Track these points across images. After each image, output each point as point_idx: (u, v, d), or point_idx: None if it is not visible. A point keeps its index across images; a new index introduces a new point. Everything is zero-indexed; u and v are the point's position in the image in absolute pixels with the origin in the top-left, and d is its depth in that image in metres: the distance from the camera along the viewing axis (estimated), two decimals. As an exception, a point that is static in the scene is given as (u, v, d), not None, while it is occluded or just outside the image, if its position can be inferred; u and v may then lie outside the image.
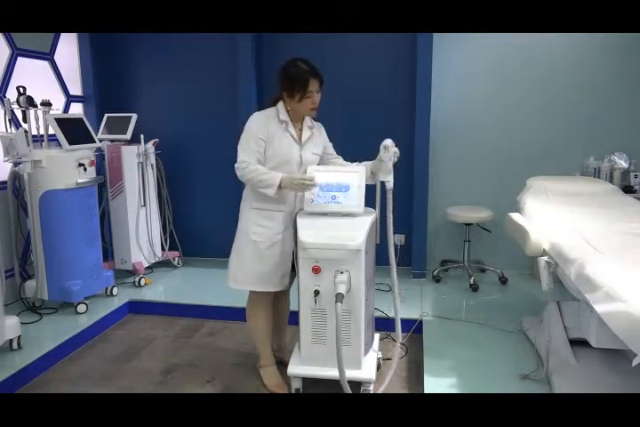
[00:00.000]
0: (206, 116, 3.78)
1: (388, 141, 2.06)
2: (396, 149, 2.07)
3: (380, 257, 2.58)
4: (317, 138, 2.23)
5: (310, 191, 2.14)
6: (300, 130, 2.18)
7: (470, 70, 3.57)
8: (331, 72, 3.67)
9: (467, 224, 3.52)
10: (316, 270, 2.10)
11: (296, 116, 2.15)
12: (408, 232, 3.72)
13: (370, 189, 2.32)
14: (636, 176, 3.38)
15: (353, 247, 2.09)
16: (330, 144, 2.33)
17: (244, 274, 2.22)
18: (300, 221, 2.21)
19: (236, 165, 2.09)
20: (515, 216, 2.58)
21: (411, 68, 3.48)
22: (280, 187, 2.07)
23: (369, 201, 2.32)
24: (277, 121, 2.11)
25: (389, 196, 2.08)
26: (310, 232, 2.11)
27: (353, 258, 2.10)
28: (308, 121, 2.21)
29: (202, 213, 4.01)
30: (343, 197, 2.29)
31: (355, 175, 2.31)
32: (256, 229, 2.17)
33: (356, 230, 2.15)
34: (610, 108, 3.47)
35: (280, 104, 2.14)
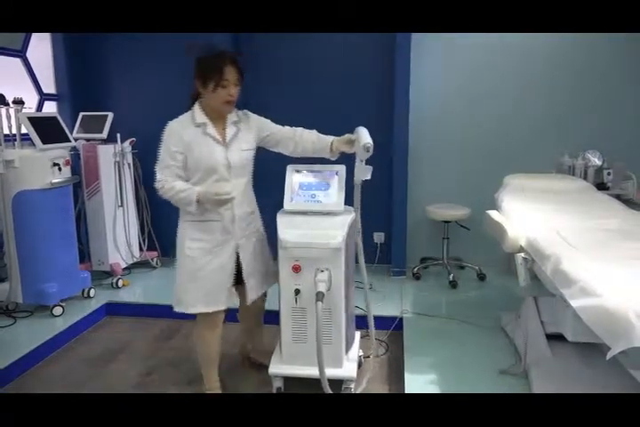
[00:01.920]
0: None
1: (369, 138, 1.84)
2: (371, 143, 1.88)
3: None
4: (245, 132, 2.00)
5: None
6: (224, 129, 1.96)
7: (447, 68, 3.60)
8: (312, 70, 3.71)
9: (445, 222, 3.55)
10: (296, 269, 2.10)
11: (214, 113, 1.93)
12: (388, 230, 3.74)
13: (350, 187, 2.33)
14: (608, 173, 3.45)
15: (333, 246, 2.09)
16: (267, 123, 2.06)
17: (185, 294, 2.03)
18: (280, 220, 2.20)
19: (155, 185, 1.94)
20: (492, 214, 2.61)
21: (389, 66, 3.49)
22: (198, 202, 1.90)
23: (349, 200, 2.32)
24: (193, 125, 1.91)
25: (358, 191, 1.95)
26: (290, 231, 2.11)
27: (333, 257, 2.10)
28: (231, 116, 1.98)
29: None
30: (323, 196, 2.29)
31: (335, 174, 2.32)
32: (191, 244, 1.99)
33: (335, 229, 2.15)
34: (583, 107, 3.54)
35: (196, 105, 1.95)
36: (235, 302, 2.11)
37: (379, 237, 3.81)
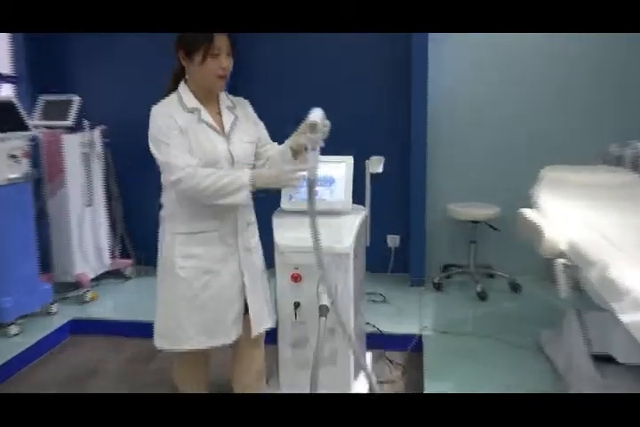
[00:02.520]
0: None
1: (317, 116, 1.70)
2: (327, 123, 1.73)
3: (371, 262, 2.59)
4: (244, 121, 1.94)
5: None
6: (219, 114, 1.89)
7: (471, 53, 3.62)
8: (319, 69, 3.72)
9: (472, 222, 3.56)
10: (296, 278, 2.10)
11: (204, 93, 1.85)
12: (404, 233, 3.75)
13: (360, 183, 2.33)
14: (664, 165, 3.43)
15: (340, 251, 2.09)
16: (262, 125, 2.00)
17: (177, 327, 1.89)
18: (277, 222, 2.21)
19: (174, 178, 1.76)
20: (527, 213, 2.61)
21: (406, 54, 3.52)
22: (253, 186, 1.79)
23: (358, 196, 2.33)
24: (184, 110, 1.82)
25: (311, 189, 1.75)
26: (289, 234, 2.11)
27: (340, 264, 2.10)
28: (224, 100, 1.91)
29: (157, 214, 3.98)
30: (327, 193, 2.30)
31: (341, 166, 2.32)
32: (183, 263, 1.88)
33: (343, 231, 2.15)
34: (634, 89, 3.53)
35: (182, 86, 1.86)
36: (238, 332, 1.97)
37: (393, 241, 3.83)
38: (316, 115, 1.72)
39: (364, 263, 2.44)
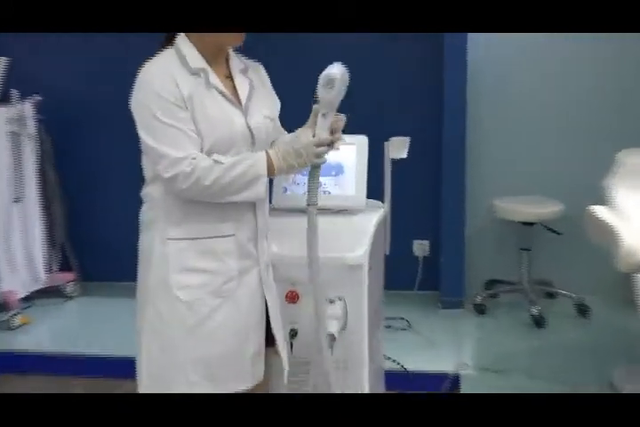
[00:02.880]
0: (124, 69, 3.70)
1: (336, 70, 1.72)
2: (346, 80, 1.74)
3: (392, 277, 2.58)
4: (260, 88, 1.96)
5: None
6: (229, 78, 1.89)
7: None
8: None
9: (525, 224, 3.55)
10: (293, 298, 2.09)
11: (213, 51, 1.85)
12: (435, 238, 3.76)
13: (376, 169, 2.31)
14: None
15: (350, 262, 2.09)
16: (277, 100, 2.05)
17: (170, 367, 1.84)
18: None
19: (169, 175, 1.74)
20: (599, 211, 2.61)
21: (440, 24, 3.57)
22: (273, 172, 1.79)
23: (374, 189, 2.31)
24: (188, 72, 1.81)
25: (316, 170, 1.78)
26: (283, 240, 2.10)
27: (350, 279, 2.09)
28: (235, 60, 1.93)
29: (110, 215, 4.00)
30: (334, 185, 2.30)
31: (351, 149, 2.31)
32: (185, 280, 1.84)
33: (354, 236, 2.15)
34: None
35: (181, 39, 1.84)
36: (260, 373, 1.92)
37: (421, 248, 3.84)
38: (336, 68, 1.72)
39: (383, 278, 2.43)
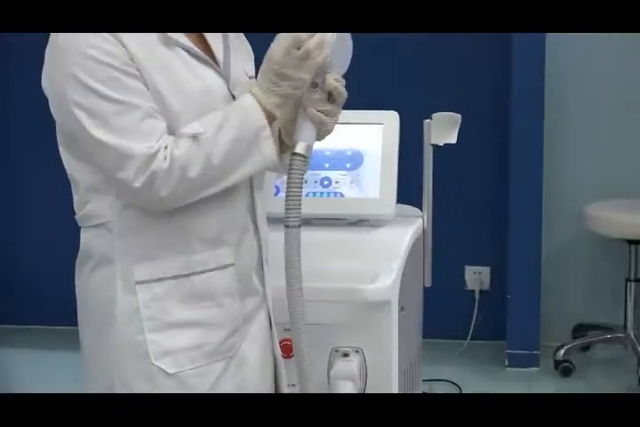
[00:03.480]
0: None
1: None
2: (347, 40, 1.80)
3: (435, 320, 2.68)
4: (238, 45, 2.01)
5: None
6: (200, 38, 1.89)
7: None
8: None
9: (632, 242, 3.60)
10: (287, 352, 2.09)
11: None
12: (498, 263, 3.82)
13: (412, 160, 2.40)
14: None
15: (372, 297, 2.13)
16: (252, 55, 2.06)
17: None
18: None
19: (143, 182, 1.70)
20: None
21: None
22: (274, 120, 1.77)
23: (409, 189, 2.39)
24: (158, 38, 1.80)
25: (297, 170, 1.76)
26: (276, 263, 2.07)
27: (372, 322, 2.15)
28: None
29: (29, 235, 4.14)
30: (349, 183, 2.35)
31: (375, 131, 2.37)
32: (168, 341, 1.81)
33: (378, 259, 2.19)
34: None
35: None
36: None
37: (476, 279, 3.90)
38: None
39: (421, 322, 2.49)
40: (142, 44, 1.74)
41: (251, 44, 1.98)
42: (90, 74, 1.68)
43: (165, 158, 1.68)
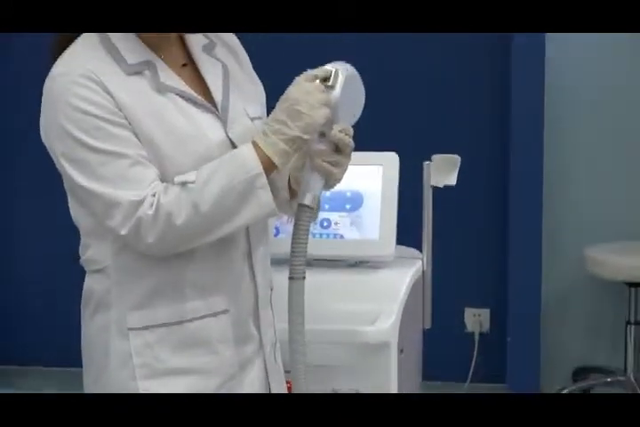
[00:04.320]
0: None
1: (335, 64, 1.77)
2: (357, 85, 1.80)
3: (435, 362, 2.67)
4: (238, 73, 1.97)
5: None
6: (190, 67, 1.89)
7: None
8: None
9: (632, 285, 3.59)
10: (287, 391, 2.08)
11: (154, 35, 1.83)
12: (497, 305, 3.81)
13: (411, 202, 2.39)
14: None
15: (370, 339, 2.13)
16: (261, 88, 2.04)
17: None
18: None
19: (129, 230, 1.71)
20: None
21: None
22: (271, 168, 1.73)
23: (408, 231, 2.39)
24: (122, 71, 1.79)
25: (303, 221, 1.76)
26: (277, 306, 2.07)
27: (370, 364, 2.14)
28: (191, 37, 1.90)
29: (26, 263, 4.11)
30: (349, 225, 2.36)
31: (375, 172, 2.38)
32: (161, 388, 1.81)
33: (377, 301, 2.20)
34: None
35: None
36: None
37: (476, 321, 3.88)
38: (337, 63, 1.75)
39: (420, 364, 2.48)
40: (131, 91, 1.75)
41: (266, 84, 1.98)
42: (75, 124, 1.69)
43: (152, 205, 1.67)
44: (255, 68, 1.96)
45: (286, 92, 1.72)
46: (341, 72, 1.71)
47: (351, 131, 1.75)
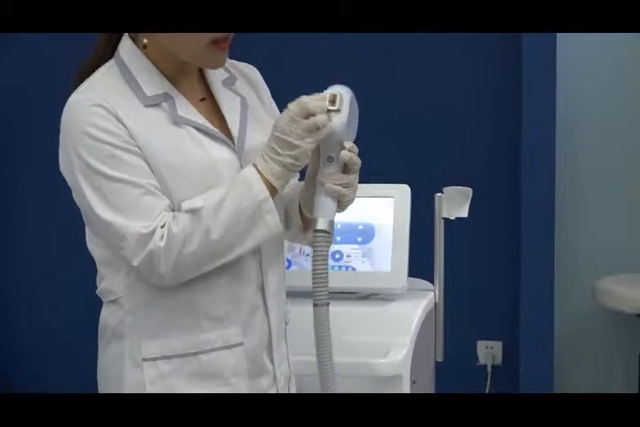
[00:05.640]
0: (53, 85, 3.81)
1: (337, 88, 1.78)
2: (354, 110, 1.77)
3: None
4: (258, 107, 1.98)
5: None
6: (209, 100, 1.90)
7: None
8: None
9: (644, 317, 3.59)
10: None
11: (179, 64, 1.85)
12: (510, 337, 3.79)
13: (423, 233, 2.37)
14: None
15: (383, 372, 2.13)
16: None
17: None
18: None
19: (141, 261, 1.72)
20: None
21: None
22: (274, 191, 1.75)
23: (420, 263, 2.37)
24: (140, 102, 1.81)
25: (322, 246, 1.76)
26: (293, 340, 2.08)
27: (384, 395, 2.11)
28: (211, 71, 1.92)
29: (39, 291, 4.12)
30: (361, 257, 2.36)
31: (386, 205, 2.38)
32: None
33: (389, 333, 2.20)
34: None
35: (127, 48, 1.84)
36: None
37: (488, 353, 3.87)
38: (338, 87, 1.76)
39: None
40: (147, 122, 1.77)
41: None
42: (90, 152, 1.70)
43: (162, 237, 1.69)
44: (257, 67, 1.98)
45: (277, 119, 1.75)
46: (345, 96, 1.72)
47: (356, 148, 1.75)
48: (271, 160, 1.72)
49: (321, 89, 1.74)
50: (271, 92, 1.97)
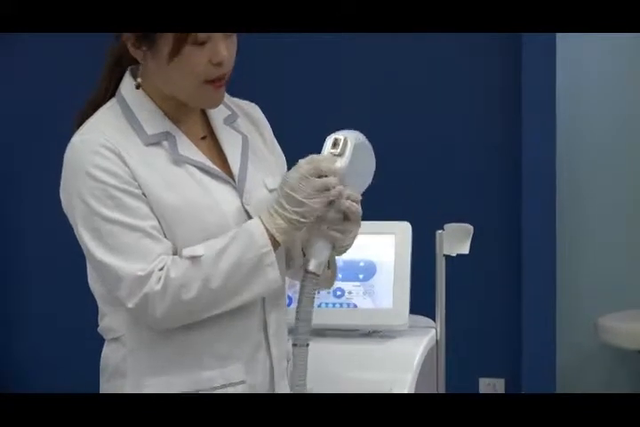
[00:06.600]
0: (53, 85, 3.81)
1: (344, 132, 1.78)
2: (368, 155, 1.82)
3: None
4: (259, 145, 1.98)
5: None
6: (209, 139, 1.91)
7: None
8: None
9: (648, 355, 3.56)
10: None
11: (178, 104, 1.85)
12: (512, 375, 3.77)
13: (424, 270, 2.36)
14: None
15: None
16: (283, 159, 2.04)
17: None
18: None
19: (136, 303, 1.72)
20: None
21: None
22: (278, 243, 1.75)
23: (421, 300, 2.36)
24: (141, 141, 1.81)
25: (308, 288, 1.77)
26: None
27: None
28: (212, 110, 1.93)
29: (38, 297, 4.13)
30: (362, 294, 2.34)
31: (387, 242, 2.38)
32: None
33: (390, 370, 2.20)
34: None
35: (128, 87, 1.85)
36: None
37: (490, 391, 3.82)
38: (345, 131, 1.76)
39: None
40: (148, 162, 1.76)
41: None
42: (90, 192, 1.71)
43: (159, 280, 1.68)
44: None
45: (287, 174, 1.75)
46: (350, 140, 1.71)
47: (359, 197, 1.76)
48: (277, 214, 1.72)
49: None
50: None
